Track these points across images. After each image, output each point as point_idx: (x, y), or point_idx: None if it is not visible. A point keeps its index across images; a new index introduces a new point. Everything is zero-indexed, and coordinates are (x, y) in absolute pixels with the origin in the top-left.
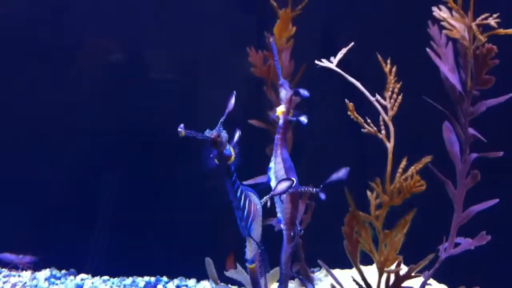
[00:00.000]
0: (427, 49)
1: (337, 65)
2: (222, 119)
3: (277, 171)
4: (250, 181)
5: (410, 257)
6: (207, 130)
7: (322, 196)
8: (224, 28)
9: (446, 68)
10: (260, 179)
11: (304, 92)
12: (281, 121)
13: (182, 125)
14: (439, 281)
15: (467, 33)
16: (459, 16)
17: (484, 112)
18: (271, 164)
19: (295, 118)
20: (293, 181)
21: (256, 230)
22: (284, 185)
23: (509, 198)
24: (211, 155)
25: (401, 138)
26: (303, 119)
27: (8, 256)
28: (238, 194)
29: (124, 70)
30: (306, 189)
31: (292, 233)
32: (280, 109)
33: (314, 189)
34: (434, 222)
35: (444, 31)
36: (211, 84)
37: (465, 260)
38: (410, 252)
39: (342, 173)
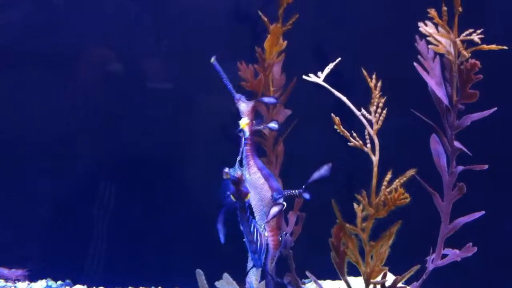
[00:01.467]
0: (415, 63)
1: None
2: (239, 158)
3: (255, 181)
4: None
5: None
6: (228, 168)
7: (306, 196)
8: (219, 41)
9: (433, 82)
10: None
11: (269, 99)
12: (247, 133)
13: (227, 169)
14: None
15: (452, 48)
16: (445, 31)
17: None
18: (245, 176)
19: (263, 127)
20: (283, 205)
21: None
22: (275, 209)
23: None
24: (228, 192)
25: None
26: (273, 125)
27: (1, 270)
28: (252, 228)
29: (120, 80)
30: (289, 192)
31: (279, 238)
32: (244, 122)
33: (297, 190)
34: (430, 232)
35: (430, 46)
36: (206, 95)
37: (454, 270)
38: (405, 263)
39: (324, 170)
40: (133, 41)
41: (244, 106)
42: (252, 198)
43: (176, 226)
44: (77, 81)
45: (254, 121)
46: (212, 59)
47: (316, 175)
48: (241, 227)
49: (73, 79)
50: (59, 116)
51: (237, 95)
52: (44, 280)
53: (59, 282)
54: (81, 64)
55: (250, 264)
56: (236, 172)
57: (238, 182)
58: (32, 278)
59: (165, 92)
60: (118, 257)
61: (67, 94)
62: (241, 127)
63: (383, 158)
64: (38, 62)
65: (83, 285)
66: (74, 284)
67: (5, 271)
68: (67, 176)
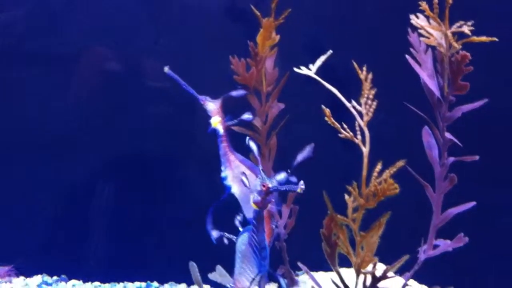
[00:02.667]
0: (407, 56)
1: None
2: (261, 168)
3: (237, 175)
4: None
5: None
6: (263, 179)
7: (294, 179)
8: (212, 36)
9: (425, 75)
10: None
11: (238, 93)
12: (221, 130)
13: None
14: (421, 282)
15: (444, 41)
16: (436, 24)
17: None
18: (226, 173)
19: (236, 121)
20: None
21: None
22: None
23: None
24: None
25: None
26: (247, 116)
27: None
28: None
29: (118, 78)
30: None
31: (272, 227)
32: (215, 120)
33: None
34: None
35: (421, 39)
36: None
37: (446, 261)
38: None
39: (307, 151)
40: (131, 38)
41: (212, 105)
42: (239, 192)
43: (170, 222)
44: (77, 79)
45: (225, 118)
46: (166, 69)
47: (300, 157)
48: (254, 235)
49: (73, 78)
50: (59, 113)
51: (201, 97)
52: (39, 276)
53: (55, 278)
54: (81, 62)
55: (242, 271)
56: (272, 182)
57: (270, 192)
58: (28, 274)
59: (163, 90)
60: (114, 253)
61: (68, 92)
62: (213, 126)
63: (377, 153)
64: (38, 61)
65: (79, 280)
66: (70, 279)
67: None
68: (64, 172)
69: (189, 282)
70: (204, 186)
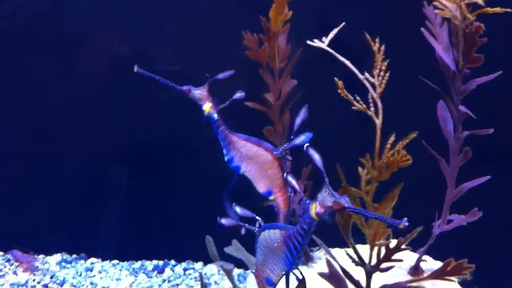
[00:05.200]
0: (422, 29)
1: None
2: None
3: (247, 151)
4: None
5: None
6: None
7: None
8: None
9: (440, 48)
10: None
11: (225, 74)
12: (215, 115)
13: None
14: (436, 258)
15: (458, 13)
16: None
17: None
18: (231, 154)
19: (228, 102)
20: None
21: None
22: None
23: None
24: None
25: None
26: (239, 95)
27: (15, 253)
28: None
29: (127, 65)
30: (285, 147)
31: (289, 195)
32: (206, 107)
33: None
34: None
35: (436, 11)
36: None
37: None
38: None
39: (303, 113)
40: (139, 22)
41: (199, 93)
42: (249, 169)
43: (187, 202)
44: (86, 66)
45: (215, 102)
46: (135, 69)
47: (299, 120)
48: (299, 239)
49: (82, 65)
50: (72, 100)
51: (185, 88)
52: (59, 254)
53: (74, 256)
54: (90, 49)
55: (265, 263)
56: (347, 201)
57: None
58: (48, 252)
59: (173, 74)
60: (132, 232)
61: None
62: (206, 113)
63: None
64: (48, 48)
65: (98, 258)
66: (89, 258)
67: (18, 254)
68: (81, 154)
69: (205, 260)
70: (222, 165)
